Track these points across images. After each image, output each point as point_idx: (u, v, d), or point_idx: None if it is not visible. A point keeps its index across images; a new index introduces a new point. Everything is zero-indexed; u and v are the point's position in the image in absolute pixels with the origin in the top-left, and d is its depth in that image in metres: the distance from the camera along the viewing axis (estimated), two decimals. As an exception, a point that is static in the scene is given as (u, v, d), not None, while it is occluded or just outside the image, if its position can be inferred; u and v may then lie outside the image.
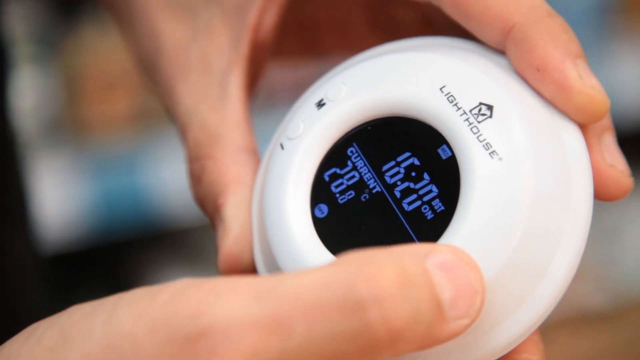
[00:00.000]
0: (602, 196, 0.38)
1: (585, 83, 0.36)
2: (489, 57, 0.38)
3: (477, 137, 0.35)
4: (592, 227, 0.37)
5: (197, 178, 0.42)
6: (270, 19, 0.43)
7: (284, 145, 0.38)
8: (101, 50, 1.41)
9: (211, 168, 0.41)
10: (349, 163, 0.38)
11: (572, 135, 0.37)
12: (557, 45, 0.37)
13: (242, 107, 0.42)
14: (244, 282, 0.32)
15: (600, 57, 1.33)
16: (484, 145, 0.35)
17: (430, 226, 0.36)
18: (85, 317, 0.33)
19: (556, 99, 0.37)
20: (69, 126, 1.43)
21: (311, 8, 0.48)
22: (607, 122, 0.38)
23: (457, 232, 0.35)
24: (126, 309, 0.32)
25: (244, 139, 0.42)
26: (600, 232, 1.42)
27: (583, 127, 0.37)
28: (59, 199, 1.37)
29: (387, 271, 0.32)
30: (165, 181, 1.30)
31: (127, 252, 1.45)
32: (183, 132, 0.43)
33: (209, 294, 0.32)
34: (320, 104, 0.38)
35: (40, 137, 1.42)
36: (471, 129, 0.36)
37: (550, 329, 1.35)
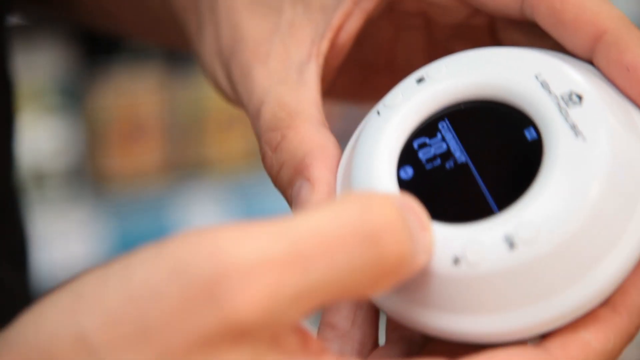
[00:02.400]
0: None
1: None
2: (576, 60, 0.41)
3: (565, 119, 0.38)
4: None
5: (274, 146, 0.42)
6: (353, 25, 0.44)
7: (380, 112, 0.41)
8: (127, 97, 1.42)
9: (293, 136, 0.42)
10: (439, 134, 0.40)
11: None
12: None
13: (318, 92, 0.43)
14: (256, 225, 0.32)
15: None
16: (571, 127, 0.38)
17: (510, 196, 0.38)
18: (99, 276, 0.32)
19: None
20: (92, 174, 1.43)
21: (372, 47, 0.48)
22: None
23: (534, 199, 0.37)
24: (139, 262, 0.31)
25: (321, 117, 0.42)
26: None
27: None
28: (81, 244, 1.37)
29: (388, 204, 0.34)
30: (190, 226, 1.30)
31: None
32: (257, 111, 0.43)
33: (222, 237, 0.31)
34: (420, 80, 0.41)
35: (64, 183, 1.43)
36: (560, 111, 0.38)
37: None
